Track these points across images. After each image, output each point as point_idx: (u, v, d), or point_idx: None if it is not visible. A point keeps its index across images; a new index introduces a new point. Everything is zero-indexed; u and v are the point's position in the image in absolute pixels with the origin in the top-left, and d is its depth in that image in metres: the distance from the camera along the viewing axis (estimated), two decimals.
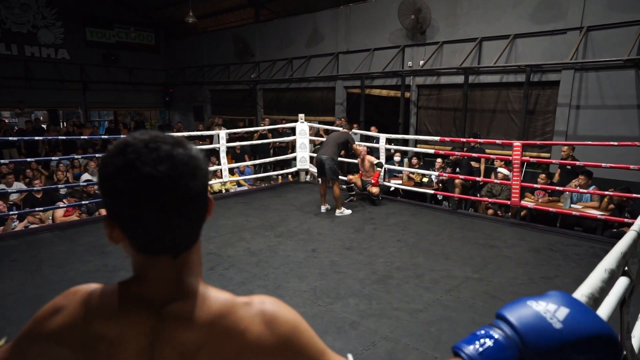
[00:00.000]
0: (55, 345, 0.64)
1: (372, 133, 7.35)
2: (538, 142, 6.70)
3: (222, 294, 0.66)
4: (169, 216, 0.59)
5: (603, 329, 0.52)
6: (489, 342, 0.52)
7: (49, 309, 0.66)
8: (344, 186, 6.40)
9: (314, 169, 7.53)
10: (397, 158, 7.65)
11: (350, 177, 6.50)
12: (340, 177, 5.97)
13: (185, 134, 7.15)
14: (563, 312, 0.53)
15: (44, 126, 12.70)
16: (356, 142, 6.21)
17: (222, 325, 0.62)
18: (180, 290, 0.63)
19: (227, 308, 0.64)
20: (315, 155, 6.68)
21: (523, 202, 5.50)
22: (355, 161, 6.77)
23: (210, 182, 0.69)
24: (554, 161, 5.74)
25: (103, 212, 5.88)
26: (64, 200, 6.13)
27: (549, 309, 0.53)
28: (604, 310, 1.32)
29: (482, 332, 0.53)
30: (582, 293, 1.05)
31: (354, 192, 6.49)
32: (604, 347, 0.52)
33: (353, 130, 6.96)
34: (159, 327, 0.62)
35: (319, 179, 5.90)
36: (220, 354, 0.61)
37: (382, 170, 6.38)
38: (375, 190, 6.20)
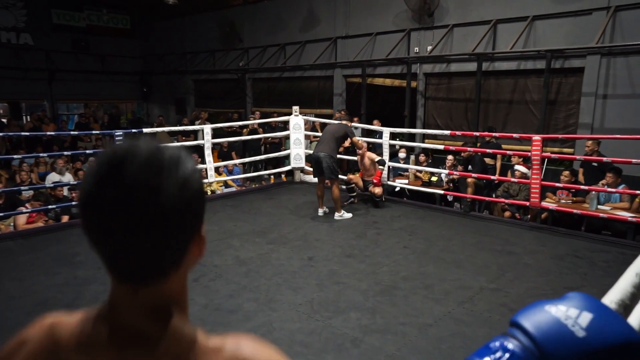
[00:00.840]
0: None
1: (375, 127, 7.35)
2: (560, 136, 6.72)
3: (196, 334, 0.63)
4: (122, 240, 0.57)
5: (631, 337, 0.52)
6: (503, 355, 0.52)
7: (15, 343, 0.67)
8: (344, 186, 6.40)
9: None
10: (402, 155, 7.66)
11: (351, 176, 6.50)
12: (339, 176, 5.97)
13: (167, 129, 7.15)
14: (586, 317, 0.53)
15: (4, 120, 12.64)
16: (356, 136, 6.21)
17: None
18: (148, 325, 0.62)
19: (194, 353, 0.61)
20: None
21: (544, 203, 5.52)
22: (356, 158, 6.77)
23: None
24: (577, 157, 5.76)
25: (65, 219, 5.90)
26: (26, 204, 6.07)
27: (570, 315, 0.53)
28: (636, 318, 1.31)
29: (496, 343, 0.53)
30: (611, 299, 1.05)
31: (354, 193, 6.49)
32: (632, 357, 0.52)
33: (353, 124, 6.96)
34: None
35: (316, 179, 5.90)
36: None
37: (385, 168, 6.38)
38: (378, 190, 6.21)
